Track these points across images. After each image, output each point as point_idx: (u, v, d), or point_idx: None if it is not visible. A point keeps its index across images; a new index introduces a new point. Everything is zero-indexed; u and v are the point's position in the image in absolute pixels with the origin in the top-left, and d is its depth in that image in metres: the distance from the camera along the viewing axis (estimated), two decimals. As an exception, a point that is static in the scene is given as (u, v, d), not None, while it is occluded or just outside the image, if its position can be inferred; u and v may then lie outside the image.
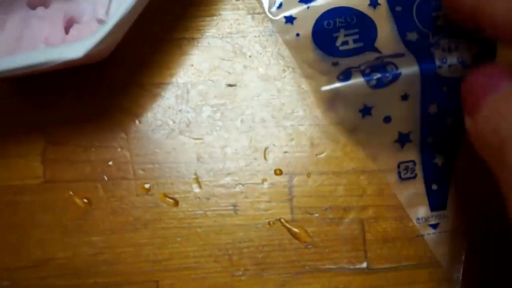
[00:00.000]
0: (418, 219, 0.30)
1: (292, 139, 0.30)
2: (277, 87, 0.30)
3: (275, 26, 0.31)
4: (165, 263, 0.29)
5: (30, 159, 0.29)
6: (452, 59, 0.29)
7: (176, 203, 0.29)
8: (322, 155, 0.30)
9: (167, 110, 0.30)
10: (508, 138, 0.18)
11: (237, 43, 0.30)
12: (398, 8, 0.30)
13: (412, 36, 0.30)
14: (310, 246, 0.29)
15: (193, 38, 0.30)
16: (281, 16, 0.31)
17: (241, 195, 0.29)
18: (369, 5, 0.31)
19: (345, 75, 0.29)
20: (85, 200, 0.29)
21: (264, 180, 0.30)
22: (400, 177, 0.30)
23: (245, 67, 0.30)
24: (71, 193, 0.29)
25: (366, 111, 0.29)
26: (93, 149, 0.29)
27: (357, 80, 0.29)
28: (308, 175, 0.30)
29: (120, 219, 0.29)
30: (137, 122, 0.30)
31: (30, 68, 0.24)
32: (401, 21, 0.30)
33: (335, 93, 0.29)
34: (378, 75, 0.29)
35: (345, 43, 0.30)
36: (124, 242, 0.29)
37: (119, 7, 0.25)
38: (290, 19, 0.31)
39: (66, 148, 0.29)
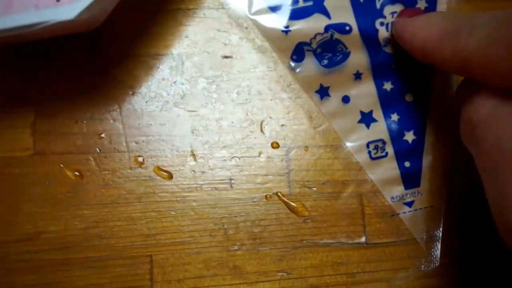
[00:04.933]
0: (392, 198, 0.29)
1: (289, 112, 0.29)
2: (274, 59, 0.29)
3: None
4: (158, 238, 0.28)
5: (19, 131, 0.28)
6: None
7: (170, 176, 0.28)
8: (320, 128, 0.29)
9: (162, 82, 0.29)
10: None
11: (233, 14, 0.30)
12: None
13: None
14: (308, 221, 0.28)
15: (188, 9, 0.30)
16: None
17: (237, 169, 0.29)
18: None
19: (298, 54, 0.29)
20: (77, 173, 0.28)
21: (260, 153, 0.29)
22: (370, 157, 0.29)
23: (241, 38, 0.30)
24: (62, 165, 0.28)
25: (323, 92, 0.29)
26: (85, 121, 0.29)
27: (310, 60, 0.29)
28: (306, 148, 0.29)
29: (112, 193, 0.28)
30: (130, 93, 0.29)
31: (21, 29, 0.23)
32: None
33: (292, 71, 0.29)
34: (329, 55, 0.28)
35: (295, 2, 0.29)
36: (117, 216, 0.28)
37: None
38: None
39: (57, 120, 0.29)
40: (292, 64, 0.29)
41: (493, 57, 0.19)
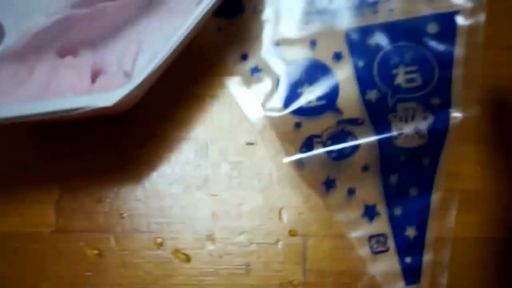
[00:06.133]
0: None
1: (308, 200, 0.30)
2: (295, 148, 0.30)
3: (241, 78, 0.31)
4: (173, 322, 0.28)
5: (44, 207, 0.29)
6: (408, 130, 0.30)
7: (188, 259, 0.29)
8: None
9: (186, 165, 0.30)
10: None
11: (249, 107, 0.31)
12: (361, 64, 0.30)
13: (372, 95, 0.30)
14: (322, 311, 0.29)
15: (215, 95, 0.31)
16: (247, 67, 0.31)
17: (254, 255, 0.29)
18: (333, 58, 0.30)
19: (307, 146, 0.30)
20: (96, 252, 0.28)
21: (278, 241, 0.29)
22: (372, 251, 0.29)
23: (265, 126, 0.30)
24: (82, 243, 0.29)
25: (329, 183, 0.30)
26: (108, 200, 0.29)
27: (319, 152, 0.30)
28: (323, 237, 0.29)
29: (130, 273, 0.28)
30: (154, 175, 0.30)
31: (60, 113, 0.24)
32: (362, 78, 0.30)
33: (299, 164, 0.30)
34: (339, 147, 0.29)
35: (309, 101, 0.30)
36: (133, 298, 0.28)
37: (149, 62, 0.25)
38: (255, 71, 0.31)
39: (81, 198, 0.29)
40: (301, 156, 0.30)
41: None
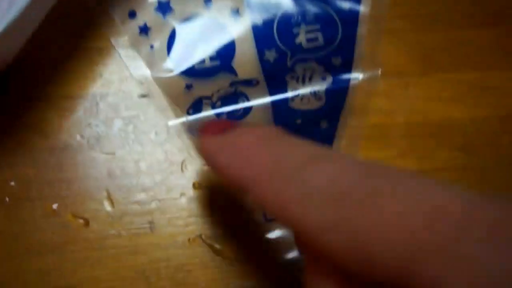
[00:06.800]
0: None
1: (210, 150, 0.28)
2: (193, 96, 0.29)
3: (128, 37, 0.28)
4: (75, 290, 0.26)
5: None
6: (305, 91, 0.28)
7: (87, 223, 0.27)
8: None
9: (75, 124, 0.28)
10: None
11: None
12: (259, 22, 0.28)
13: (270, 55, 0.28)
14: (234, 263, 0.27)
15: (102, 47, 0.29)
16: (134, 25, 0.28)
17: (158, 212, 0.28)
18: (230, 15, 0.28)
19: (195, 108, 0.28)
20: (-16, 225, 0.26)
21: (182, 195, 0.28)
22: (265, 218, 0.28)
23: (155, 85, 0.29)
24: (-32, 218, 0.26)
25: None
26: (-7, 169, 0.27)
27: (207, 114, 0.28)
28: (229, 186, 0.28)
29: (23, 245, 0.26)
30: (42, 137, 0.28)
31: None
32: (260, 37, 0.28)
33: (189, 130, 0.28)
34: (229, 109, 0.28)
35: (202, 61, 0.28)
36: (29, 269, 0.26)
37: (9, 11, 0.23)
38: (144, 29, 0.28)
39: (-37, 169, 0.27)
40: (187, 118, 0.28)
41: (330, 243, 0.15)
